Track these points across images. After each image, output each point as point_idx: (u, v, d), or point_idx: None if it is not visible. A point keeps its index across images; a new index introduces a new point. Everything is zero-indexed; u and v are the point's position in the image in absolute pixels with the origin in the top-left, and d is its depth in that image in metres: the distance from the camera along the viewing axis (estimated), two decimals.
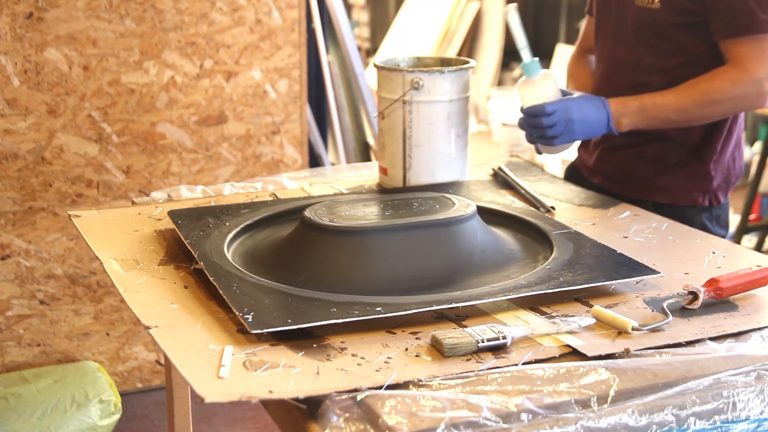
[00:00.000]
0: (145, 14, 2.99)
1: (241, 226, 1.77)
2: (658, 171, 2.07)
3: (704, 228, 2.01)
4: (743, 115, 2.09)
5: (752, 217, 4.76)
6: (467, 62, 2.07)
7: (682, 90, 1.93)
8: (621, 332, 1.40)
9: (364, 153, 4.36)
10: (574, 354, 1.34)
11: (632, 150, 2.10)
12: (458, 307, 1.46)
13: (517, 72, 7.22)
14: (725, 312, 1.49)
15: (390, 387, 1.23)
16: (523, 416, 1.18)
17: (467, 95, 2.06)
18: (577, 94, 1.98)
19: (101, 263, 1.65)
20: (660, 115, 1.93)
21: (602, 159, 2.17)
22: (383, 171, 2.10)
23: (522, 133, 1.99)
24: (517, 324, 1.42)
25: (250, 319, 1.37)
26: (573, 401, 1.21)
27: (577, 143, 2.22)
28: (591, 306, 1.47)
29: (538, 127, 1.92)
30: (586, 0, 2.29)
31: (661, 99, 1.93)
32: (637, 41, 2.04)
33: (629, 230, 1.85)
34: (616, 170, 2.13)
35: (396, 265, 1.57)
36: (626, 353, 1.34)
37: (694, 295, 1.49)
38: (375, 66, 2.08)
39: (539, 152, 2.02)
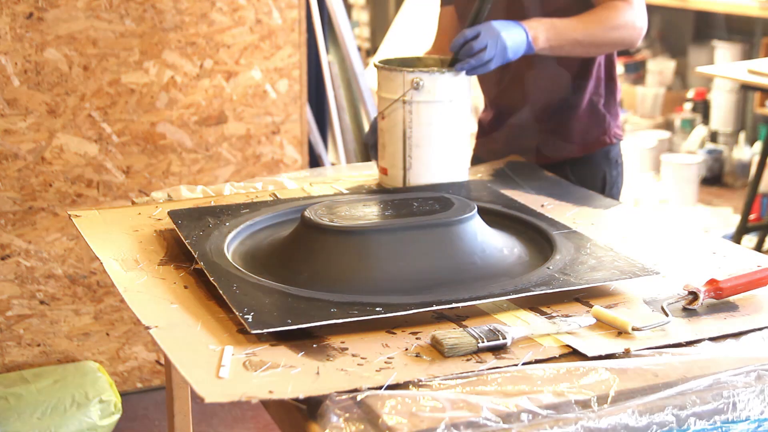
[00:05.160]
0: (145, 14, 2.99)
1: (241, 226, 1.77)
2: (564, 130, 2.23)
3: (613, 166, 2.25)
4: (603, 58, 2.22)
5: (752, 217, 4.76)
6: None
7: (585, 16, 2.07)
8: (621, 332, 1.40)
9: (364, 153, 4.36)
10: (574, 354, 1.34)
11: (531, 122, 2.24)
12: (458, 307, 1.46)
13: None
14: (725, 312, 1.49)
15: (390, 387, 1.23)
16: (523, 416, 1.18)
17: (467, 95, 2.05)
18: None
19: (101, 263, 1.65)
20: (569, 34, 2.04)
21: (509, 141, 2.30)
22: (383, 171, 2.09)
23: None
24: (517, 324, 1.42)
25: (250, 319, 1.36)
26: (573, 401, 1.21)
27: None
28: (591, 306, 1.47)
29: (472, 54, 1.96)
30: None
31: (568, 21, 2.05)
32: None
33: (629, 230, 1.85)
34: (524, 145, 2.27)
35: (396, 265, 1.57)
36: (626, 353, 1.34)
37: (694, 295, 1.49)
38: (375, 66, 2.08)
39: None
